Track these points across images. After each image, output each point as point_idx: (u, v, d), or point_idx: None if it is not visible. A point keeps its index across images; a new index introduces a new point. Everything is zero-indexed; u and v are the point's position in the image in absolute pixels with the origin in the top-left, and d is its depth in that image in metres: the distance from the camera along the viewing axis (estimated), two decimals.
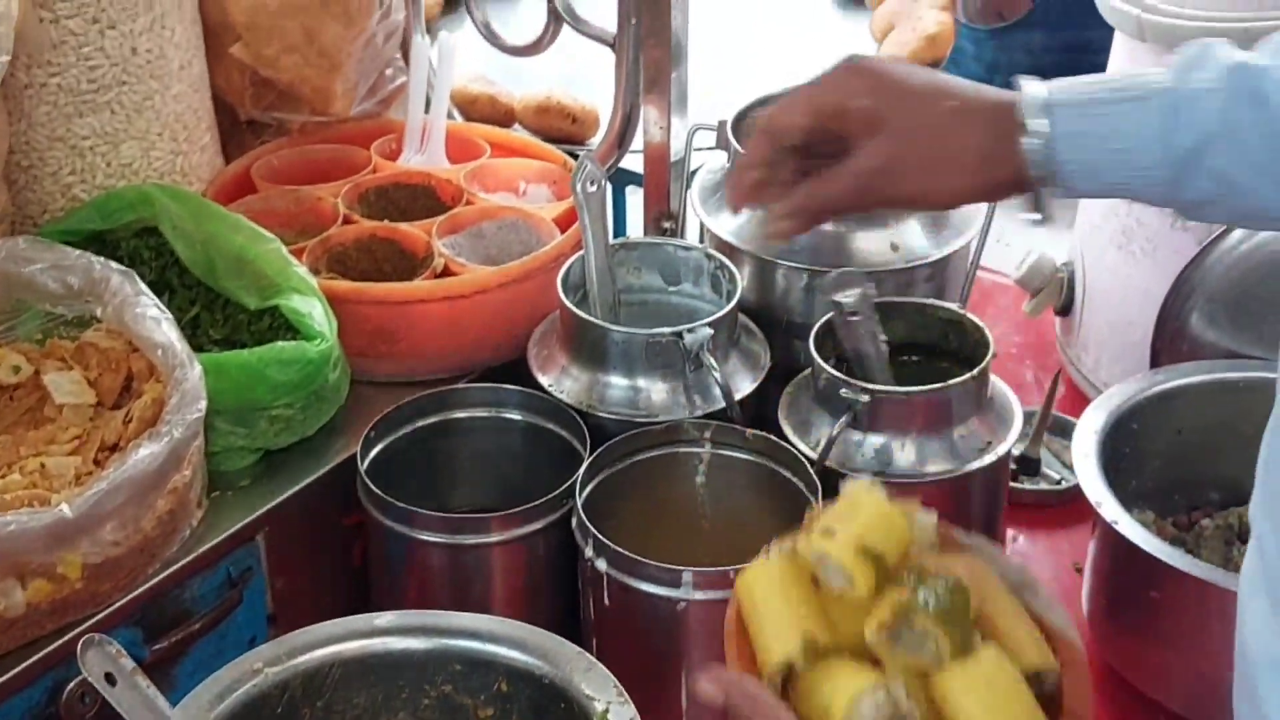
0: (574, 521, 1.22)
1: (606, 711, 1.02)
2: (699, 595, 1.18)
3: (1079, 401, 1.61)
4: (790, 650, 0.96)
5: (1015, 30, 2.31)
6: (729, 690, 0.98)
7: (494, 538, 1.24)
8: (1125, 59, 1.54)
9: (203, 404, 1.17)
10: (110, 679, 0.99)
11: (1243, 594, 0.90)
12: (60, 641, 1.13)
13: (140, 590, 1.17)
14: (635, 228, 1.74)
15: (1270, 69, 1.04)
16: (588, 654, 1.07)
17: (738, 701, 0.97)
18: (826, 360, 1.30)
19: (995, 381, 1.34)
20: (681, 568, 1.17)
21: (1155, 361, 1.50)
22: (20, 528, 1.05)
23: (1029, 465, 1.56)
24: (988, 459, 1.29)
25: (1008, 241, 1.80)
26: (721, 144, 1.53)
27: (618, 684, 1.04)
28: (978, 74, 2.22)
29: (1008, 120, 1.05)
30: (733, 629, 1.03)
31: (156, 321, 1.21)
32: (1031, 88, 1.05)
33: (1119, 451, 1.33)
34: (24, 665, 1.11)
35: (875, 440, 1.29)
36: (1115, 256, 1.57)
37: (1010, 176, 1.06)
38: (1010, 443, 1.31)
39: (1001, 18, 2.31)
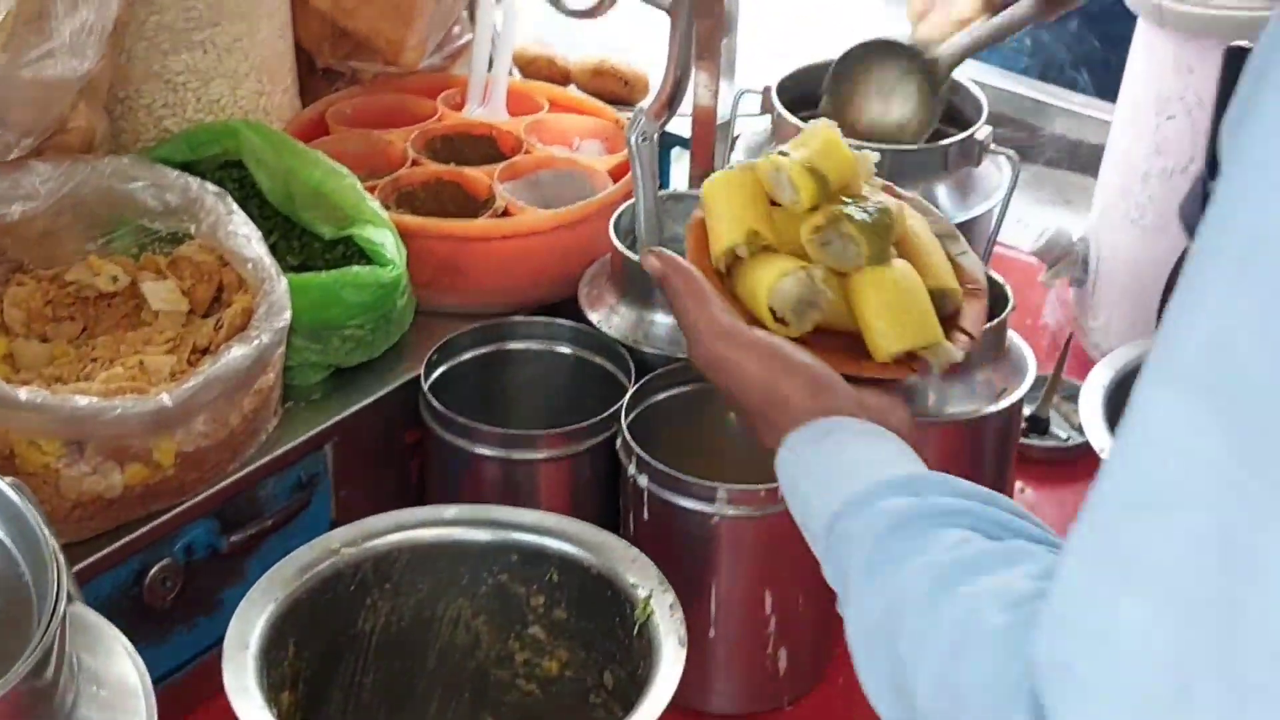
0: (619, 442, 1.30)
1: (650, 597, 1.10)
2: (731, 511, 1.25)
3: (1088, 368, 1.68)
4: (736, 239, 1.15)
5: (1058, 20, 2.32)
6: (667, 265, 1.15)
7: (543, 454, 1.32)
8: (1144, 47, 1.62)
9: (287, 314, 1.25)
10: None
11: None
12: (148, 526, 1.20)
13: (222, 485, 1.25)
14: (679, 186, 1.80)
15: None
16: (634, 547, 1.15)
17: (671, 275, 1.14)
18: None
19: (1012, 335, 1.41)
20: (716, 484, 1.24)
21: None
22: (125, 412, 1.14)
23: (1039, 424, 1.62)
24: (1003, 404, 1.35)
25: (1026, 221, 1.85)
26: (765, 108, 1.61)
27: (660, 573, 1.12)
28: (1018, 61, 2.26)
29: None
30: (694, 225, 1.20)
31: (247, 239, 1.29)
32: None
33: (1124, 406, 1.41)
34: (115, 546, 1.19)
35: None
36: (1129, 231, 1.64)
37: None
38: (1024, 390, 1.37)
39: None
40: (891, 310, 1.11)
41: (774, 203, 1.18)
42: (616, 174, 1.58)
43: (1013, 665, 0.74)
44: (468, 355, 1.42)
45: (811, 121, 1.23)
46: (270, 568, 1.23)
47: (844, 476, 0.98)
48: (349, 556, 1.14)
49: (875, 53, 1.63)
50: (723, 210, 1.17)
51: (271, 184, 1.45)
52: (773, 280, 1.12)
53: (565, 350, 1.44)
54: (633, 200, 1.47)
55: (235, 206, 1.32)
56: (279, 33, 1.57)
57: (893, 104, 1.63)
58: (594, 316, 1.44)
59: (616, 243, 1.43)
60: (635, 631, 1.10)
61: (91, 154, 1.38)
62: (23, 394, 1.12)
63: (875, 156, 1.22)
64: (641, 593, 1.11)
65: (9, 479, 0.94)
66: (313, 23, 1.63)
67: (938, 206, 1.52)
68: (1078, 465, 1.59)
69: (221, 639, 1.28)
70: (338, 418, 1.35)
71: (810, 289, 1.11)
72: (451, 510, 1.18)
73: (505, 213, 1.51)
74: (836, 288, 1.13)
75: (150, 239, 1.36)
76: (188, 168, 1.45)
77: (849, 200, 1.14)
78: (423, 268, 1.43)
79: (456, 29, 1.73)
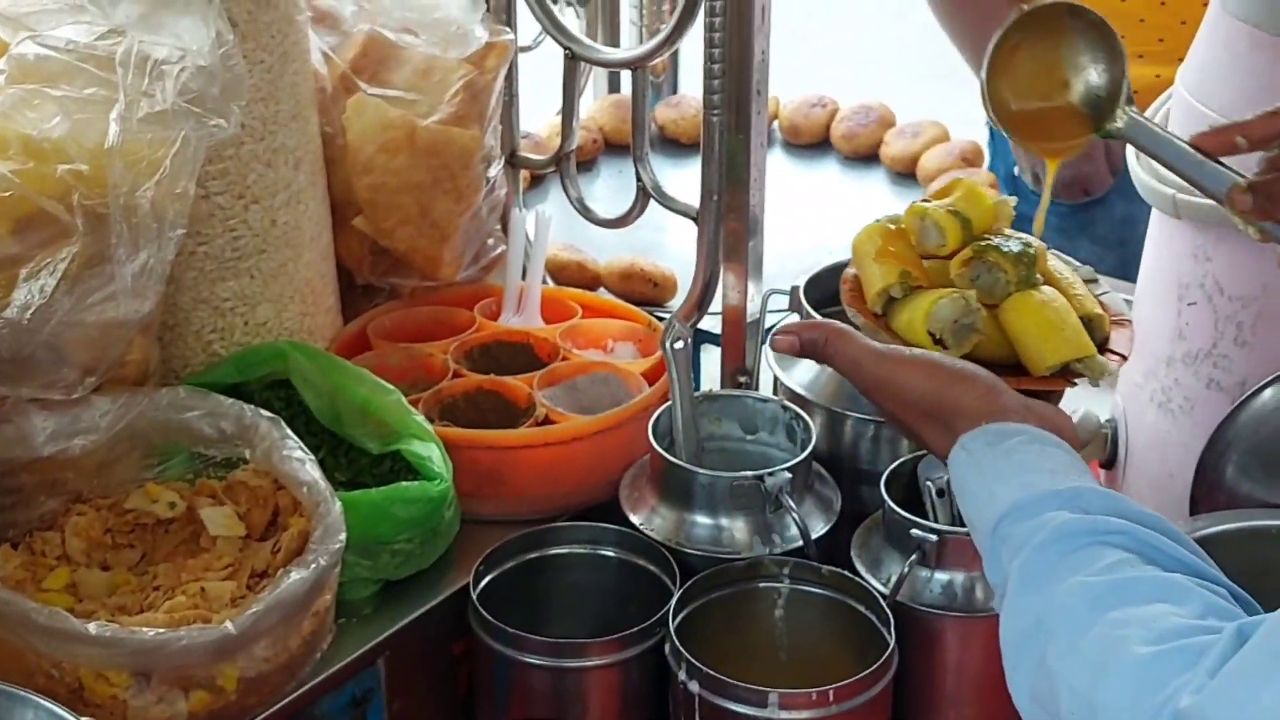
0: (667, 647, 1.31)
1: None
2: (784, 715, 1.25)
3: None
4: (890, 280, 1.21)
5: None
6: (799, 331, 1.20)
7: (592, 662, 1.33)
8: (1162, 234, 1.64)
9: (343, 536, 1.27)
10: None
11: None
12: None
13: (280, 705, 1.26)
14: (710, 382, 1.84)
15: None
16: None
17: (806, 333, 1.19)
18: (900, 503, 1.37)
19: None
20: (768, 689, 1.25)
21: (1194, 510, 1.56)
22: (190, 642, 1.15)
23: None
24: None
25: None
26: (794, 306, 1.63)
27: None
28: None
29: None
30: (846, 280, 1.29)
31: (301, 462, 1.32)
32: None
33: None
34: None
35: (942, 577, 1.36)
36: (1155, 414, 1.64)
37: None
38: None
39: (1086, 194, 2.31)
40: (1044, 328, 1.20)
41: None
42: (651, 376, 1.61)
43: (1153, 695, 0.79)
44: (513, 563, 1.44)
45: (950, 173, 1.30)
46: None
47: (1014, 481, 1.01)
48: None
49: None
50: (872, 259, 1.23)
51: (319, 402, 1.48)
52: (929, 306, 1.19)
53: (609, 554, 1.46)
54: (669, 403, 1.51)
55: (288, 431, 1.35)
56: (322, 255, 1.62)
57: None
58: (636, 519, 1.46)
59: (655, 445, 1.46)
60: None
61: (146, 383, 1.43)
62: (92, 628, 1.14)
63: (1014, 201, 1.29)
64: None
65: None
66: (353, 242, 1.68)
67: None
68: None
69: None
70: (389, 632, 1.37)
71: (966, 310, 1.19)
72: None
73: (546, 420, 1.54)
74: (988, 319, 1.18)
75: (205, 464, 1.39)
76: (236, 389, 1.49)
77: (993, 235, 1.21)
78: (467, 478, 1.46)
79: (490, 241, 1.78)
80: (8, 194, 1.23)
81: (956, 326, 1.16)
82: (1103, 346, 1.21)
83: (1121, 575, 0.89)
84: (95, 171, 1.25)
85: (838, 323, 1.20)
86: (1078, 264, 1.31)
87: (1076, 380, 1.18)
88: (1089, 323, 1.23)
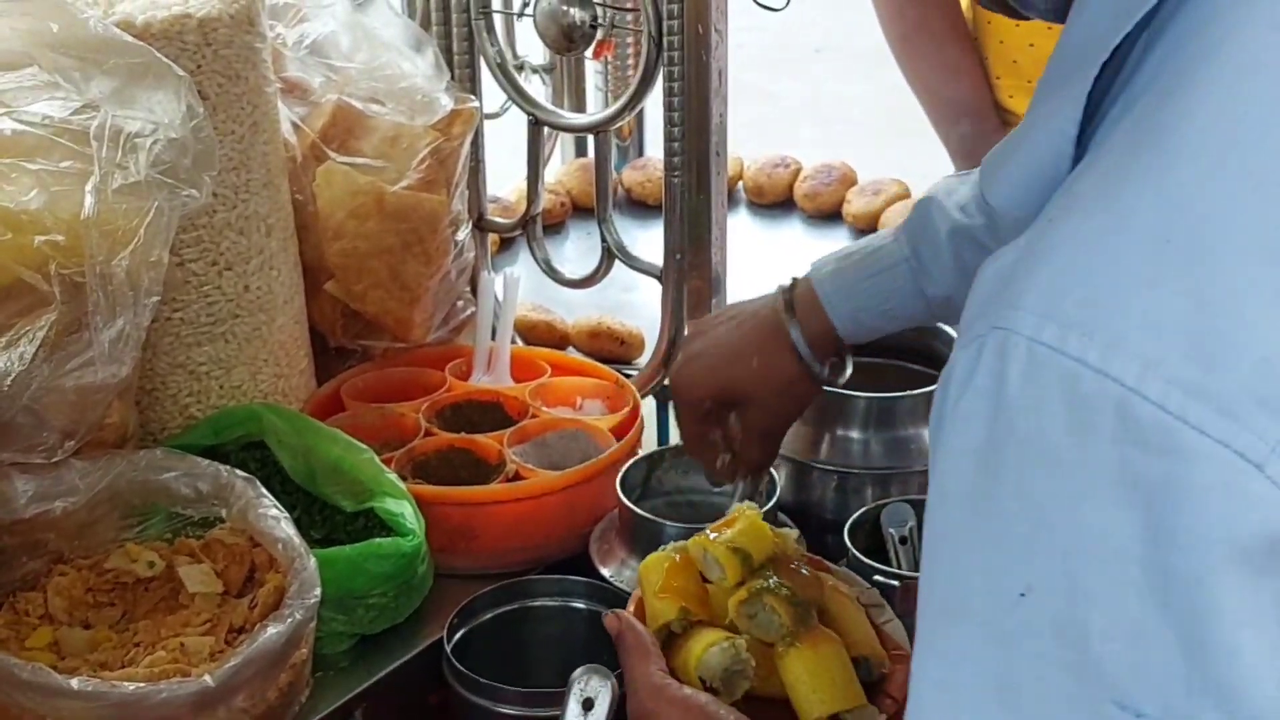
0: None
1: None
2: None
3: None
4: (670, 616, 1.20)
5: None
6: (623, 624, 1.22)
7: (559, 711, 1.31)
8: None
9: (318, 591, 1.29)
10: None
11: None
12: None
13: None
14: (676, 438, 1.85)
15: (973, 227, 1.23)
16: None
17: (624, 632, 1.21)
18: (861, 549, 1.41)
19: None
20: None
21: None
22: (171, 695, 1.18)
23: None
24: None
25: None
26: None
27: None
28: None
29: (774, 318, 1.36)
30: (635, 600, 1.29)
31: (276, 520, 1.35)
32: (791, 279, 1.37)
33: None
34: None
35: (905, 621, 1.34)
36: None
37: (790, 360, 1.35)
38: None
39: None
40: (815, 677, 1.17)
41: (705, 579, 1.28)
42: (619, 431, 1.65)
43: None
44: (487, 616, 1.46)
45: (734, 505, 1.34)
46: None
47: None
48: None
49: None
50: (657, 589, 1.25)
51: (293, 462, 1.51)
52: (701, 653, 1.19)
53: (580, 606, 1.48)
54: (636, 457, 1.55)
55: (264, 490, 1.38)
56: (295, 319, 1.65)
57: None
58: (606, 571, 1.49)
59: (624, 499, 1.49)
60: None
61: (125, 446, 1.46)
62: (74, 683, 1.17)
63: (795, 533, 1.33)
64: None
65: None
66: (325, 306, 1.71)
67: (921, 447, 1.60)
68: None
69: None
70: (365, 684, 1.39)
71: (735, 658, 1.18)
72: None
73: (516, 476, 1.57)
74: (763, 658, 1.20)
75: (183, 524, 1.41)
76: (213, 450, 1.53)
77: (770, 576, 1.23)
78: (439, 533, 1.48)
79: (460, 303, 1.82)
80: None
81: (726, 674, 1.18)
82: (879, 685, 1.23)
83: None
84: (72, 242, 1.29)
85: (648, 638, 1.21)
86: (866, 585, 1.35)
87: None
88: (866, 662, 1.24)
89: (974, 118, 2.31)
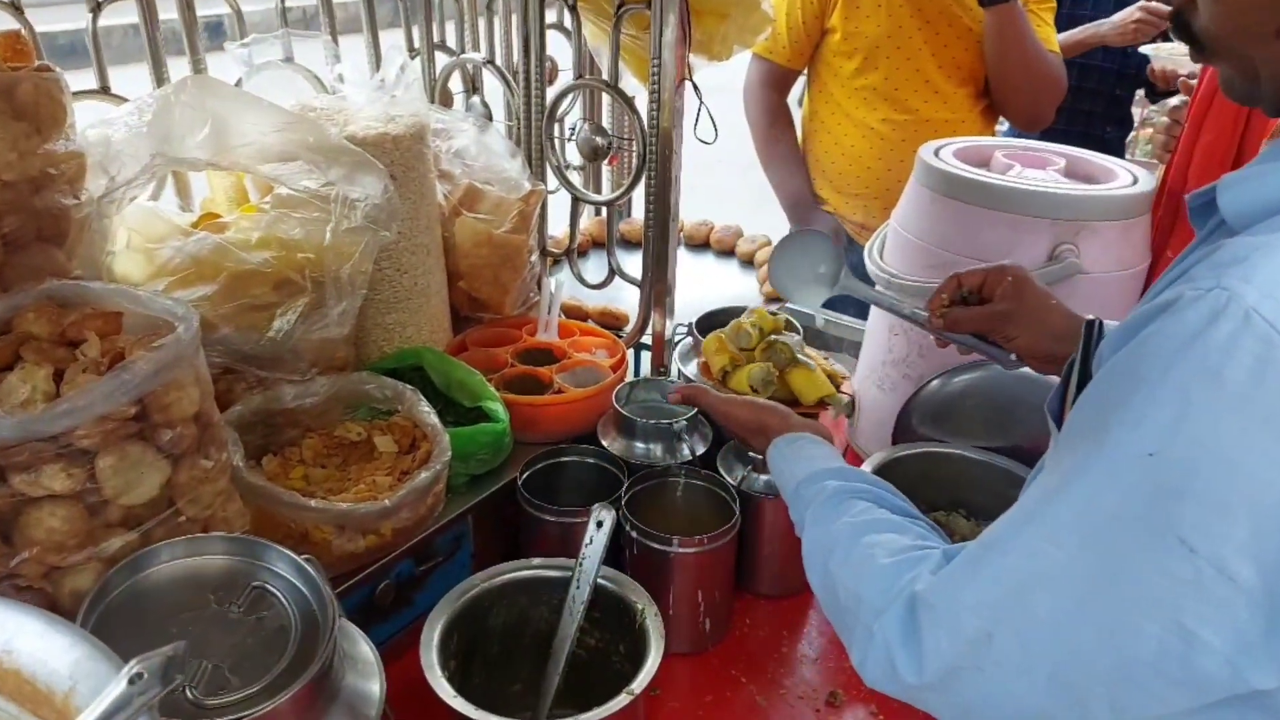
0: (621, 513, 1.26)
1: (643, 609, 1.07)
2: (680, 549, 1.22)
3: (851, 457, 1.68)
4: (724, 363, 1.23)
5: None
6: (684, 391, 1.19)
7: (580, 519, 1.26)
8: (877, 311, 1.60)
9: (449, 454, 1.23)
10: None
11: None
12: (378, 564, 1.17)
13: (416, 540, 1.22)
14: (645, 372, 1.78)
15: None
16: (635, 581, 1.12)
17: (688, 390, 1.18)
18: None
19: None
20: (672, 535, 1.22)
21: (893, 442, 1.56)
22: (366, 511, 1.12)
23: None
24: None
25: None
26: (690, 334, 1.61)
27: (649, 595, 1.09)
28: None
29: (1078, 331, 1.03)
30: (704, 361, 1.30)
31: (428, 414, 1.28)
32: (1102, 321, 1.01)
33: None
34: (360, 576, 1.16)
35: (764, 478, 1.32)
36: (875, 391, 1.61)
37: (1062, 356, 1.00)
38: None
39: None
40: (808, 382, 1.20)
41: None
42: (615, 367, 1.56)
43: (892, 583, 0.74)
44: (540, 465, 1.39)
45: (747, 310, 1.29)
46: (441, 586, 1.20)
47: (803, 463, 0.96)
48: (484, 587, 1.11)
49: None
50: (713, 351, 1.23)
51: (439, 379, 1.44)
52: (749, 372, 1.21)
53: (590, 460, 1.41)
54: (628, 381, 1.47)
55: (422, 397, 1.31)
56: (442, 301, 1.57)
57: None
58: (605, 443, 1.42)
59: (616, 405, 1.42)
60: (636, 627, 1.07)
61: (346, 369, 1.37)
62: (313, 503, 1.10)
63: (784, 316, 1.30)
64: (639, 606, 1.08)
65: (305, 555, 0.91)
66: (458, 294, 1.62)
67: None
68: None
69: (416, 619, 1.25)
70: (474, 501, 1.32)
71: (768, 373, 1.23)
72: (536, 560, 1.15)
73: (559, 390, 1.49)
74: (780, 377, 1.17)
75: (377, 413, 1.34)
76: (394, 371, 1.45)
77: (775, 338, 1.21)
78: (517, 420, 1.41)
79: (531, 294, 1.73)
80: (270, 269, 1.17)
81: (763, 383, 1.16)
82: (837, 388, 1.22)
83: (868, 517, 0.85)
84: (318, 258, 1.20)
85: (699, 385, 1.17)
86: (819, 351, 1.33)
87: (827, 406, 1.17)
88: (830, 377, 1.23)
89: (800, 199, 2.27)
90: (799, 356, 1.19)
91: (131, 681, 0.51)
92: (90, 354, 0.91)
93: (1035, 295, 1.06)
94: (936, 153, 1.58)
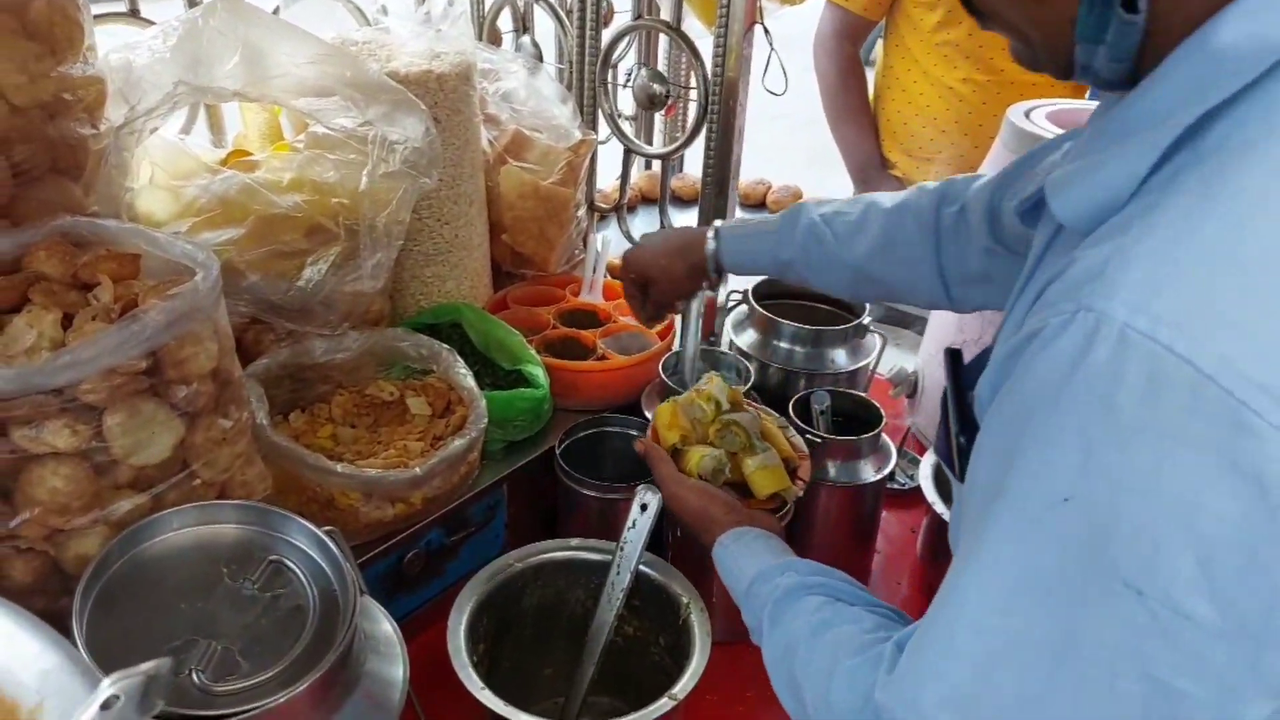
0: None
1: (689, 603, 0.98)
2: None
3: (914, 443, 1.58)
4: (675, 440, 1.10)
5: None
6: (648, 446, 1.09)
7: (621, 496, 1.20)
8: None
9: (485, 420, 1.15)
10: None
11: None
12: (406, 533, 1.11)
13: (448, 509, 1.15)
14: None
15: (826, 222, 1.03)
16: (676, 566, 1.03)
17: (650, 450, 1.08)
18: (798, 417, 1.25)
19: (883, 437, 1.29)
20: None
21: None
22: (396, 479, 1.04)
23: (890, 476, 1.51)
24: (878, 476, 1.25)
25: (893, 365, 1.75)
26: (745, 301, 1.51)
27: (693, 588, 1.00)
28: None
29: (699, 246, 1.10)
30: (651, 431, 1.14)
31: (464, 376, 1.19)
32: (714, 228, 1.11)
33: (939, 472, 1.31)
34: (388, 544, 1.10)
35: (821, 462, 1.23)
36: (941, 372, 1.52)
37: (697, 265, 1.11)
38: (889, 470, 1.26)
39: None
40: (762, 472, 1.07)
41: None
42: (662, 334, 1.46)
43: (860, 690, 0.68)
44: (581, 434, 1.30)
45: (705, 375, 1.18)
46: (473, 556, 1.14)
47: (752, 560, 0.89)
48: (518, 568, 1.03)
49: None
50: (666, 425, 1.12)
51: (477, 337, 1.35)
52: (697, 460, 1.07)
53: (634, 432, 1.32)
54: (675, 349, 1.37)
55: (459, 358, 1.22)
56: (484, 255, 1.47)
57: None
58: (649, 414, 1.32)
59: (662, 375, 1.32)
60: (681, 622, 0.99)
61: (381, 324, 1.29)
62: (339, 468, 1.03)
63: (744, 387, 1.22)
64: (684, 600, 1.00)
65: (328, 528, 0.84)
66: (500, 248, 1.53)
67: (838, 362, 1.44)
68: (909, 498, 1.47)
69: (445, 590, 1.19)
70: (511, 469, 1.24)
71: (719, 461, 1.07)
72: (575, 540, 1.07)
73: (603, 357, 1.40)
74: (733, 461, 1.07)
75: (411, 371, 1.25)
76: (432, 327, 1.37)
77: (732, 414, 1.11)
78: (558, 385, 1.33)
79: (576, 250, 1.63)
80: (301, 214, 1.09)
81: (713, 472, 1.05)
82: (794, 474, 1.11)
83: (824, 614, 0.77)
84: (353, 204, 1.11)
85: (663, 454, 1.08)
86: (779, 416, 1.21)
87: (778, 503, 1.07)
88: (787, 460, 1.12)
89: (868, 162, 2.13)
90: (755, 442, 1.08)
91: (106, 705, 0.43)
92: (103, 299, 0.83)
93: (646, 261, 1.15)
94: (1027, 115, 1.45)
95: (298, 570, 0.80)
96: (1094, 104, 1.58)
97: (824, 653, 0.73)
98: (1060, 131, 1.38)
